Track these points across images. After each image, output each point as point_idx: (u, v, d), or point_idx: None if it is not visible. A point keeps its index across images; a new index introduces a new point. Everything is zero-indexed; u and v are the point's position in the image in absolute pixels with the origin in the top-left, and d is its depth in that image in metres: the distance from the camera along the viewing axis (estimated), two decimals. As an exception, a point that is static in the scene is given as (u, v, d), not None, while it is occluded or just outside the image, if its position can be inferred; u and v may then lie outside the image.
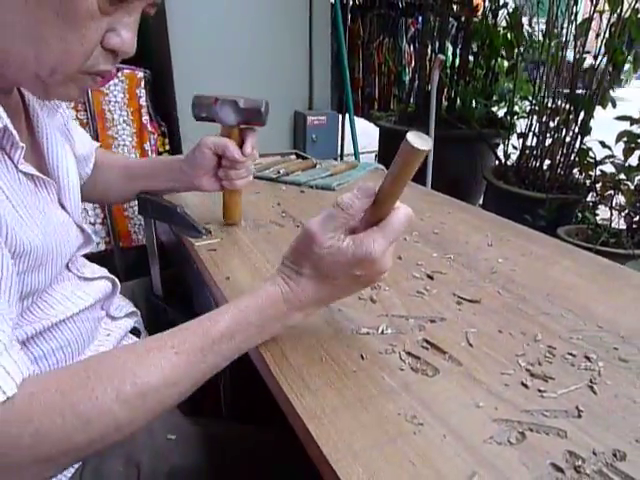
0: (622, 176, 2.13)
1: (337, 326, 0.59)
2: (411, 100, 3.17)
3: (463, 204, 1.09)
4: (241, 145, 0.83)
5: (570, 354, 0.54)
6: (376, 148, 3.82)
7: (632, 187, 2.10)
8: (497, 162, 2.59)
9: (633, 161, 2.11)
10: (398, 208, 0.50)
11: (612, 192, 2.17)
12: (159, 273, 1.05)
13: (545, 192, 2.14)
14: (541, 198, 2.13)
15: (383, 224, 0.49)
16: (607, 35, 2.07)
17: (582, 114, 2.17)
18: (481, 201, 2.66)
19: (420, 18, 3.84)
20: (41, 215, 0.55)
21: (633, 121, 2.00)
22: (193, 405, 0.66)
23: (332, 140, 2.65)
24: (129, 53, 0.52)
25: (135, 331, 0.79)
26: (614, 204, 2.11)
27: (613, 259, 0.81)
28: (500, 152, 2.60)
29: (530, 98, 2.44)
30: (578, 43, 2.16)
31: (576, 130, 2.19)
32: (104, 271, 0.73)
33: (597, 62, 2.13)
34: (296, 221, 0.95)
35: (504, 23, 2.55)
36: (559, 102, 2.22)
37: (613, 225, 1.96)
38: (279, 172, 1.24)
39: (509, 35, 2.53)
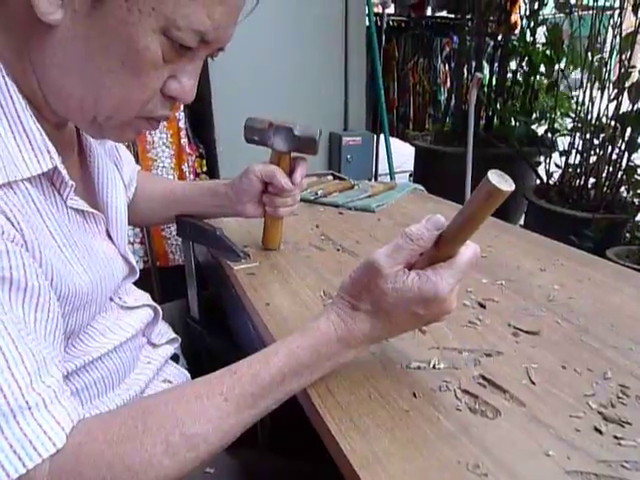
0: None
1: (385, 359, 0.55)
2: (447, 119, 3.12)
3: (509, 226, 1.05)
4: (290, 172, 0.81)
5: (646, 395, 0.49)
6: (409, 168, 3.80)
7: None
8: (538, 181, 2.50)
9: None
10: (467, 246, 0.47)
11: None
12: (197, 295, 1.04)
13: (591, 212, 2.05)
14: (587, 218, 2.03)
15: (451, 261, 0.46)
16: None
17: (629, 130, 2.08)
18: (522, 221, 2.57)
19: (455, 38, 3.82)
20: (88, 251, 0.54)
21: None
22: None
23: (367, 160, 2.64)
24: (188, 101, 0.51)
25: (174, 357, 0.77)
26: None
27: None
28: (541, 171, 2.52)
29: (572, 115, 2.36)
30: (623, 57, 2.08)
31: (622, 147, 2.09)
32: (146, 297, 0.72)
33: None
34: (336, 244, 0.92)
35: (543, 39, 2.50)
36: (603, 119, 2.13)
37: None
38: (317, 193, 1.23)
39: (548, 51, 2.47)
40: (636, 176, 2.07)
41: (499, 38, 2.80)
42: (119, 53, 0.44)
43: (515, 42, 2.70)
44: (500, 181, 0.40)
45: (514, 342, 0.59)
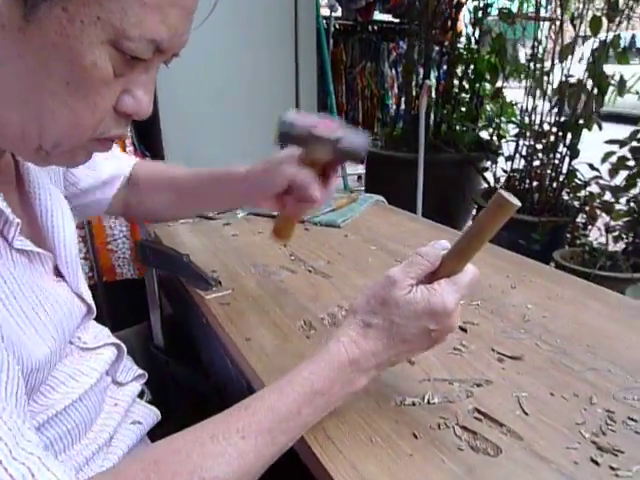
0: (608, 197, 2.16)
1: (378, 396, 0.54)
2: (396, 124, 3.18)
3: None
4: (321, 178, 0.68)
5: (631, 419, 0.51)
6: (356, 170, 3.85)
7: (622, 207, 2.12)
8: (487, 185, 2.60)
9: (619, 181, 2.15)
10: (468, 267, 0.49)
11: (599, 212, 2.19)
12: (160, 321, 0.99)
13: (537, 215, 2.15)
14: (533, 221, 2.13)
15: (455, 277, 0.48)
16: (591, 59, 2.12)
17: (569, 136, 2.20)
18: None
19: (401, 42, 3.89)
20: (40, 301, 0.48)
21: (621, 143, 2.03)
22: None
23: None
24: (145, 116, 0.45)
25: (140, 393, 0.73)
26: (603, 225, 2.13)
27: (612, 284, 0.79)
28: (490, 176, 2.62)
29: (515, 121, 2.47)
30: (563, 66, 2.20)
31: (564, 152, 2.21)
32: (106, 334, 0.66)
33: (582, 85, 2.17)
34: (307, 265, 0.91)
35: (488, 48, 2.59)
36: (545, 125, 2.24)
37: (600, 246, 1.98)
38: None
39: (493, 59, 2.57)
40: (576, 180, 2.19)
41: (445, 44, 2.88)
42: (62, 72, 0.38)
43: (461, 49, 2.79)
44: (509, 197, 0.44)
45: (500, 369, 0.59)
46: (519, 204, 0.44)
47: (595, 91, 2.13)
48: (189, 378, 0.95)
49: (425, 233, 1.09)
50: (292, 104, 2.40)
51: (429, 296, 0.47)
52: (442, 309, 0.46)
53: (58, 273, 0.57)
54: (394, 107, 3.90)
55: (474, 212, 2.62)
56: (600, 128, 2.12)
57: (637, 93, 2.16)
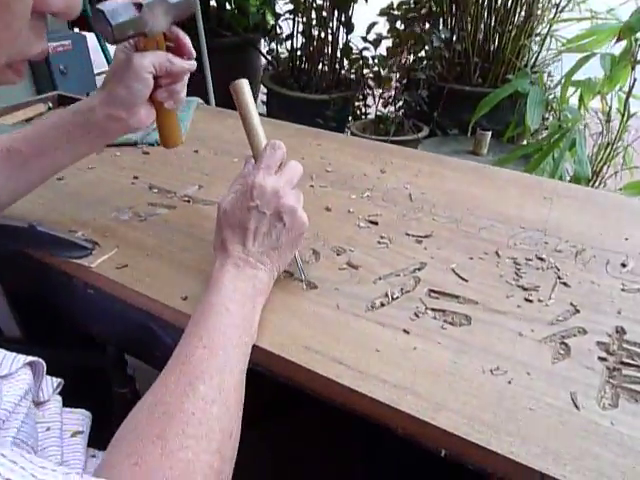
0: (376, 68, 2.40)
1: (348, 308, 0.56)
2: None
3: (325, 132, 1.09)
4: (174, 48, 0.63)
5: (527, 259, 0.65)
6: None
7: (387, 75, 2.38)
8: (270, 67, 2.57)
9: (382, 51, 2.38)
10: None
11: (372, 83, 2.43)
12: (9, 308, 0.78)
13: (326, 93, 2.27)
14: (324, 99, 2.25)
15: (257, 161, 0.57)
16: None
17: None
18: (264, 109, 2.66)
19: None
20: None
21: (382, 12, 2.20)
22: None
23: (87, 67, 2.20)
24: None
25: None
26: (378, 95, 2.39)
27: (407, 145, 0.94)
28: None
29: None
30: None
31: (337, 26, 2.31)
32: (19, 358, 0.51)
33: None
34: (179, 196, 0.81)
35: None
36: (319, 1, 2.27)
37: (389, 114, 2.24)
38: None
39: None
40: (352, 56, 2.34)
41: None
42: None
43: None
44: (237, 82, 0.58)
45: (423, 249, 0.67)
46: (245, 80, 0.58)
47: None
48: (82, 359, 0.81)
49: (274, 132, 1.06)
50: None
51: (239, 181, 0.55)
52: (250, 181, 0.54)
53: None
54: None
55: (264, 97, 2.61)
56: (366, 1, 2.25)
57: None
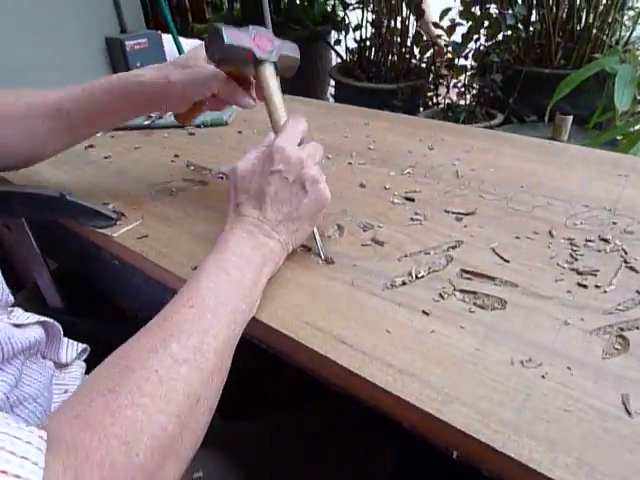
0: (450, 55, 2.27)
1: (363, 285, 0.50)
2: (233, 5, 2.85)
3: (373, 112, 1.03)
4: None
5: (588, 240, 0.55)
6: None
7: (463, 63, 2.25)
8: (340, 59, 2.54)
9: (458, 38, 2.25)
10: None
11: (446, 72, 2.31)
12: (52, 283, 0.81)
13: (394, 83, 2.19)
14: (392, 89, 2.17)
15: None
16: None
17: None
18: (332, 102, 2.63)
19: None
20: None
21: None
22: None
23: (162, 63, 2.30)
24: None
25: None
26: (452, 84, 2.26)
27: None
28: (342, 49, 2.54)
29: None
30: None
31: (410, 15, 2.22)
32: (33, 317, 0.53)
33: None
34: (214, 173, 0.79)
35: None
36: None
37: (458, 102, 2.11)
38: (150, 117, 1.02)
39: None
40: (422, 43, 2.24)
41: None
42: None
43: None
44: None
45: (463, 227, 0.59)
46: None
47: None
48: (109, 331, 0.82)
49: (312, 114, 1.02)
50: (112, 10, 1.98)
51: (256, 151, 0.53)
52: (276, 149, 0.51)
53: None
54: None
55: (332, 90, 2.57)
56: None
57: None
